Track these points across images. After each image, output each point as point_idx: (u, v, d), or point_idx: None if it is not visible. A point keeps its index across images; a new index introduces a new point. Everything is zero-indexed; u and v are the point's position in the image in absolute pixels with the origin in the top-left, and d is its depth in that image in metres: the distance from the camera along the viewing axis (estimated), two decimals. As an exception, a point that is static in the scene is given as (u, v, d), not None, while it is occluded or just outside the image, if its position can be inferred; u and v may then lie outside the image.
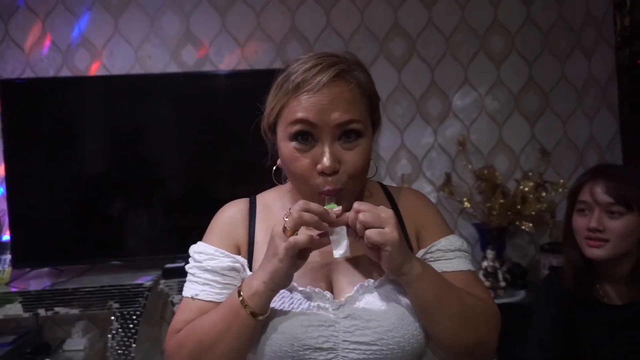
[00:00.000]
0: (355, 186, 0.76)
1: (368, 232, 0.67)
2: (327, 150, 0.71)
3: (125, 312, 1.80)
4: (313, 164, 0.73)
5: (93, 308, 1.80)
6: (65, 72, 2.13)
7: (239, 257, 0.80)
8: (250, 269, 0.80)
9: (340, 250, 0.70)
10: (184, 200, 1.96)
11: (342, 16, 2.18)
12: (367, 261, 0.77)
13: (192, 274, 0.81)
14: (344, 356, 0.72)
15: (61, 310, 1.80)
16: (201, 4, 2.16)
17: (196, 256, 0.82)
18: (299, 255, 0.69)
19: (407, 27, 2.20)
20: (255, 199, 0.88)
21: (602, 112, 2.10)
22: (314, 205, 0.69)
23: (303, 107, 0.71)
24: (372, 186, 0.89)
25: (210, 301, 0.78)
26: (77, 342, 1.93)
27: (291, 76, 0.73)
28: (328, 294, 0.75)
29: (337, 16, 2.18)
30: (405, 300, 0.74)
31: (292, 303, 0.74)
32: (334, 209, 0.71)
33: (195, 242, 0.86)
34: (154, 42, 2.16)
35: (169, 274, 1.82)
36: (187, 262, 0.84)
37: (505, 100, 2.23)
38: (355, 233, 0.70)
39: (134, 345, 1.80)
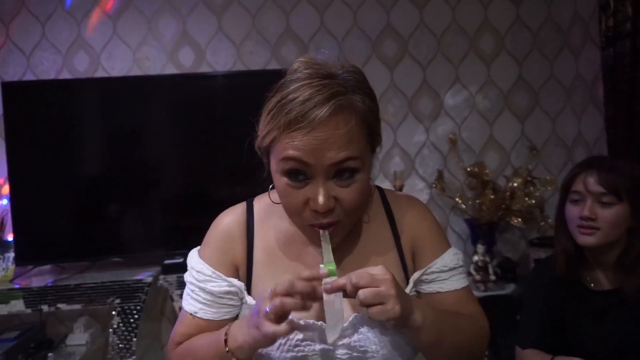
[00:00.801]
0: (352, 219, 0.75)
1: (371, 312, 0.65)
2: (321, 189, 0.68)
3: (126, 307, 1.85)
4: (306, 201, 0.70)
5: (94, 304, 1.85)
6: (65, 75, 2.18)
7: (235, 282, 0.81)
8: (249, 292, 0.81)
9: (333, 334, 0.69)
10: (182, 199, 2.01)
11: (335, 17, 2.23)
12: None
13: (192, 290, 0.83)
14: None
15: (63, 306, 1.85)
16: (197, 7, 2.21)
17: (194, 273, 0.82)
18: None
19: (399, 28, 2.25)
20: (252, 207, 0.86)
21: (589, 110, 2.16)
22: (300, 285, 0.66)
23: (296, 145, 0.67)
24: (373, 201, 0.86)
25: (207, 319, 0.81)
26: (79, 337, 1.98)
27: (285, 107, 0.68)
28: (323, 325, 0.73)
29: (331, 17, 2.23)
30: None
31: (287, 335, 0.74)
32: (330, 268, 0.68)
33: (192, 240, 0.90)
34: (151, 44, 2.21)
35: (168, 270, 1.87)
36: (185, 258, 0.87)
37: (495, 98, 2.29)
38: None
39: (134, 339, 1.86)
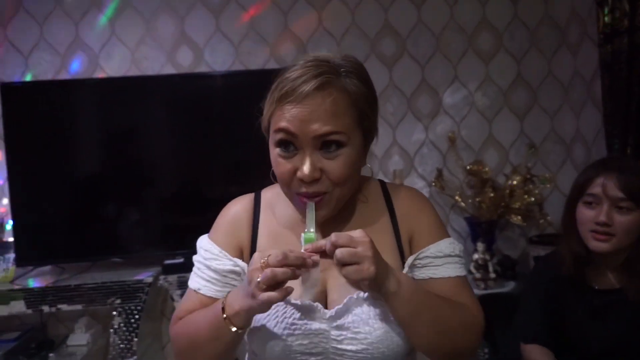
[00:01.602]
0: (341, 193, 0.78)
1: (345, 271, 0.69)
2: (307, 159, 0.74)
3: (126, 308, 1.86)
4: (294, 171, 0.75)
5: (95, 304, 1.86)
6: (63, 75, 2.18)
7: (240, 262, 0.85)
8: None
9: (308, 296, 0.74)
10: (181, 199, 2.01)
11: (333, 17, 2.23)
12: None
13: (198, 268, 0.87)
14: (332, 359, 0.78)
15: (64, 306, 1.85)
16: (195, 7, 2.20)
17: (202, 252, 0.87)
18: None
19: (398, 27, 2.25)
20: (260, 196, 0.91)
21: (587, 107, 2.16)
22: (292, 257, 0.68)
23: (286, 117, 0.74)
24: (371, 187, 0.90)
25: (210, 297, 0.84)
26: (80, 338, 1.98)
27: (280, 84, 0.75)
28: (319, 306, 0.78)
29: (329, 17, 2.23)
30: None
31: (285, 313, 0.78)
32: (310, 236, 0.72)
33: (191, 240, 0.92)
34: (149, 44, 2.20)
35: (168, 270, 1.87)
36: (185, 258, 0.90)
37: (494, 96, 2.29)
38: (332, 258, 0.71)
39: (135, 339, 1.86)
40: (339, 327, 0.77)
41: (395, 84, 2.27)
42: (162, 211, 2.02)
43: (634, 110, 1.75)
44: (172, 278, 1.87)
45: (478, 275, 1.98)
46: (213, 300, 0.82)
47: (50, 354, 1.87)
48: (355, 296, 0.77)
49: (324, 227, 0.81)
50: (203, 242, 0.88)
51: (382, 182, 0.92)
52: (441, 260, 0.82)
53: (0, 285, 1.89)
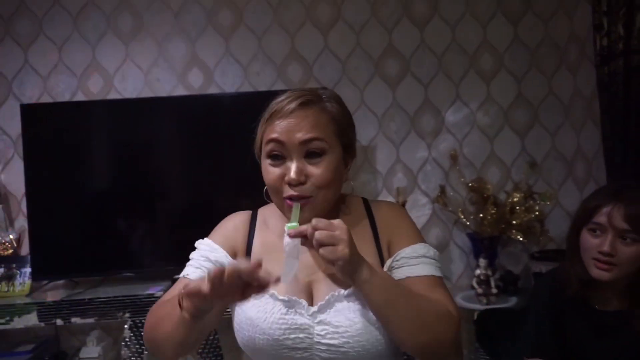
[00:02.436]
0: (324, 197, 0.87)
1: (322, 250, 0.76)
2: (293, 164, 0.85)
3: (137, 321, 1.91)
4: (282, 176, 0.86)
5: (107, 317, 1.92)
6: (80, 96, 2.27)
7: (231, 259, 0.92)
8: None
9: (289, 275, 0.79)
10: (190, 215, 2.08)
11: (338, 39, 2.31)
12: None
13: (192, 259, 0.94)
14: (318, 354, 0.83)
15: (77, 320, 1.92)
16: (206, 30, 2.30)
17: (200, 246, 0.95)
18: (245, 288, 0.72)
19: (401, 48, 2.33)
20: (257, 212, 1.00)
21: (587, 125, 2.21)
22: (244, 267, 0.70)
23: (275, 129, 0.86)
24: (354, 202, 0.98)
25: (195, 280, 0.86)
26: (91, 351, 2.04)
27: (270, 107, 0.89)
28: (304, 302, 0.85)
29: (334, 39, 2.31)
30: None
31: (273, 309, 0.85)
32: (292, 225, 0.80)
33: None
34: (162, 66, 2.30)
35: (178, 285, 1.93)
36: None
37: (495, 115, 2.35)
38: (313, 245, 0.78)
39: (145, 352, 1.91)
40: (321, 322, 0.83)
41: (398, 103, 2.33)
42: (171, 227, 2.09)
43: (632, 129, 1.80)
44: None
45: (480, 291, 2.02)
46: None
47: (64, 366, 1.93)
48: (336, 293, 0.84)
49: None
50: (203, 240, 0.97)
51: (363, 198, 1.01)
52: (416, 260, 0.88)
53: (16, 299, 1.96)
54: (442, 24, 2.33)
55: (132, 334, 1.93)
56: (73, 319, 1.91)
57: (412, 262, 0.88)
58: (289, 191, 0.85)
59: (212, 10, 2.29)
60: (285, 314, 0.84)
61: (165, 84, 2.29)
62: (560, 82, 2.33)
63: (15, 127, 2.23)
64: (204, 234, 1.04)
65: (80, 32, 2.28)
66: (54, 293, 2.04)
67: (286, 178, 0.85)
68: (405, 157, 2.34)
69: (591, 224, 1.18)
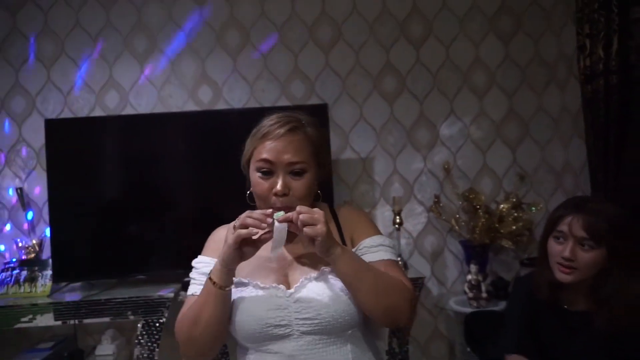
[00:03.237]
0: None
1: (305, 229, 0.96)
2: (280, 180, 1.03)
3: (150, 321, 2.06)
4: (270, 189, 1.04)
5: (121, 317, 2.06)
6: (98, 111, 2.44)
7: None
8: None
9: (277, 250, 0.99)
10: (198, 223, 2.22)
11: (339, 57, 2.46)
12: (311, 260, 1.07)
13: (194, 278, 1.13)
14: (297, 329, 1.02)
15: (93, 319, 2.06)
16: (215, 49, 2.46)
17: (196, 265, 1.14)
18: (246, 245, 0.97)
19: (398, 66, 2.47)
20: None
21: (574, 139, 2.33)
22: (256, 213, 0.98)
23: (266, 150, 1.04)
24: (322, 207, 1.14)
25: None
26: (106, 348, 2.18)
27: (261, 128, 1.07)
28: (282, 287, 1.05)
29: (335, 57, 2.46)
30: (338, 284, 1.03)
31: (257, 295, 1.04)
32: (279, 214, 0.99)
33: None
34: (174, 83, 2.46)
35: (188, 286, 2.07)
36: None
37: (488, 129, 2.47)
38: (297, 228, 0.97)
39: (157, 350, 2.05)
40: (297, 301, 1.02)
41: (395, 117, 2.47)
42: (182, 233, 2.23)
43: (613, 145, 1.92)
44: (191, 294, 2.07)
45: (471, 295, 2.13)
46: None
47: (82, 362, 2.07)
48: (308, 276, 1.04)
49: (290, 236, 1.04)
50: (197, 258, 1.16)
51: (329, 206, 1.19)
52: (375, 248, 1.08)
53: (38, 299, 2.11)
54: (436, 43, 2.47)
55: (144, 333, 2.07)
56: (90, 319, 2.05)
57: (372, 250, 1.08)
58: (275, 201, 1.04)
59: (220, 32, 2.45)
60: (268, 298, 1.03)
61: (177, 100, 2.45)
62: (549, 98, 2.45)
63: (38, 139, 2.41)
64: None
65: (99, 52, 2.46)
66: (72, 294, 2.18)
67: (274, 190, 1.03)
68: (401, 169, 2.47)
69: (555, 232, 1.30)
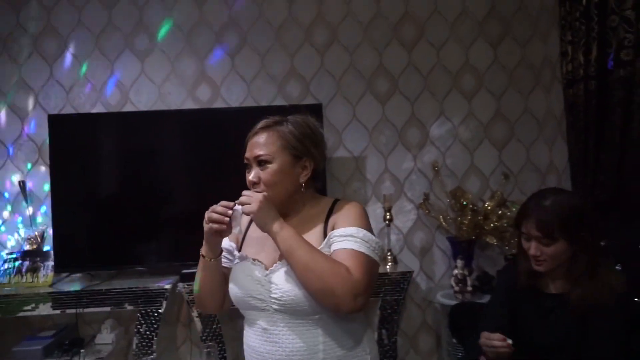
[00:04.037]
0: (274, 193, 1.16)
1: (243, 207, 1.13)
2: (252, 171, 1.19)
3: (149, 310, 2.14)
4: (249, 179, 1.20)
5: (121, 307, 2.14)
6: (99, 108, 2.51)
7: (232, 244, 1.28)
8: (239, 251, 1.26)
9: (235, 229, 1.16)
10: (197, 216, 2.29)
11: (334, 59, 2.55)
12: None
13: None
14: (271, 306, 1.14)
15: (94, 309, 2.14)
16: (214, 49, 2.54)
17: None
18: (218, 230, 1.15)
19: (390, 68, 2.56)
20: None
21: (558, 141, 2.44)
22: (219, 208, 1.15)
23: (247, 148, 1.21)
24: (325, 200, 1.24)
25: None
26: (106, 337, 2.26)
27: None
28: (262, 265, 1.18)
29: (330, 59, 2.55)
30: None
31: (244, 267, 1.20)
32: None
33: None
34: (173, 81, 2.54)
35: (185, 278, 2.15)
36: None
37: (475, 129, 2.57)
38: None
39: (155, 339, 2.13)
40: (271, 282, 1.14)
41: (387, 117, 2.56)
42: (180, 227, 2.32)
43: (591, 146, 2.02)
44: (189, 285, 2.14)
45: (457, 289, 2.23)
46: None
47: (82, 350, 2.14)
48: (277, 263, 1.15)
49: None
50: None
51: (336, 199, 1.25)
52: (342, 238, 1.12)
53: (40, 289, 2.19)
54: (428, 46, 2.56)
55: (143, 322, 2.15)
56: (90, 308, 2.13)
57: (339, 240, 1.12)
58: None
59: (219, 32, 2.53)
60: (251, 272, 1.18)
61: (176, 97, 2.53)
62: (535, 101, 2.56)
63: (40, 134, 2.48)
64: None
65: (101, 49, 2.53)
66: (72, 284, 2.26)
67: (247, 180, 1.20)
68: (392, 167, 2.56)
69: (522, 233, 1.46)
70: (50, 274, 2.25)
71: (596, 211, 1.48)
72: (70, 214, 2.28)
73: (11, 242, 2.43)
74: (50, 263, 2.27)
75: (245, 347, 1.22)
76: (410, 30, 2.56)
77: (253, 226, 1.25)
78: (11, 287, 2.23)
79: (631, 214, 1.81)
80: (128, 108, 2.52)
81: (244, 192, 1.15)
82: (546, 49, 2.50)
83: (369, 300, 1.12)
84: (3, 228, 2.48)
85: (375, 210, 2.52)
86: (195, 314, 2.20)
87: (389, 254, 2.34)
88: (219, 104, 2.52)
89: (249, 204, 1.12)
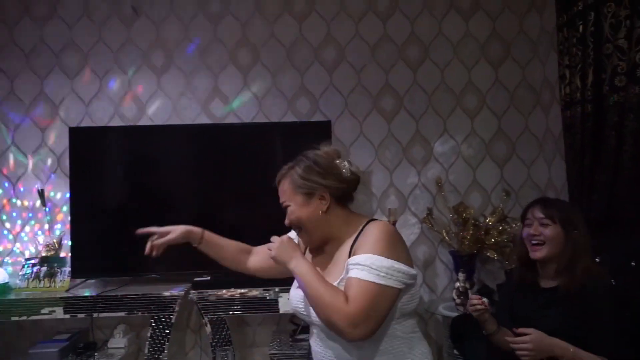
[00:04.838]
0: (306, 229, 1.30)
1: (271, 252, 1.29)
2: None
3: (161, 316, 2.22)
4: None
5: (134, 312, 2.22)
6: (116, 121, 2.62)
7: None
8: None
9: None
10: (209, 227, 2.39)
11: (342, 77, 2.66)
12: (328, 271, 1.29)
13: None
14: (313, 317, 1.23)
15: (109, 314, 2.22)
16: (228, 66, 2.66)
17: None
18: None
19: (396, 86, 2.67)
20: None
21: (557, 159, 2.53)
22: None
23: None
24: (358, 222, 1.29)
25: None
26: (118, 342, 2.34)
27: None
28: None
29: (338, 77, 2.66)
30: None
31: (293, 286, 1.34)
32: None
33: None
34: (188, 96, 2.65)
35: (197, 286, 2.24)
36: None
37: (478, 147, 2.67)
38: None
39: (167, 344, 2.21)
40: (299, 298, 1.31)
41: (393, 134, 2.66)
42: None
43: (587, 167, 2.11)
44: (200, 293, 2.23)
45: (458, 301, 2.31)
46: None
47: (95, 354, 2.22)
48: (296, 285, 1.32)
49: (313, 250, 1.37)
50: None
51: (371, 219, 1.29)
52: (353, 266, 1.17)
53: (57, 293, 2.27)
54: (432, 66, 2.67)
55: (156, 328, 2.23)
56: (105, 313, 2.22)
57: (350, 267, 1.18)
58: None
59: (233, 50, 2.65)
60: (297, 290, 1.31)
61: (191, 112, 2.64)
62: (535, 121, 2.66)
63: (59, 145, 2.59)
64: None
65: (119, 64, 2.65)
66: (88, 290, 2.34)
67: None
68: (397, 182, 2.66)
69: (526, 220, 1.68)
70: (67, 279, 2.35)
71: (589, 225, 1.65)
72: (87, 222, 2.38)
73: (31, 248, 2.53)
74: (67, 269, 2.36)
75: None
76: (415, 51, 2.67)
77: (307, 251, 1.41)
78: (29, 291, 2.32)
79: (624, 233, 1.89)
80: (144, 122, 2.63)
81: (273, 238, 1.31)
82: (546, 71, 2.60)
83: (377, 326, 1.14)
84: (23, 235, 2.58)
85: (380, 224, 2.60)
86: (205, 320, 2.28)
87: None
88: (231, 119, 2.63)
89: (272, 248, 1.29)
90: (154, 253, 1.53)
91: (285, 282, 1.39)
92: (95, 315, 2.21)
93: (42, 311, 2.21)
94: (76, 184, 2.39)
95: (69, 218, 2.45)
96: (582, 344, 1.46)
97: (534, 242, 1.61)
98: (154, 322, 2.22)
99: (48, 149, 2.62)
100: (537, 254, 1.60)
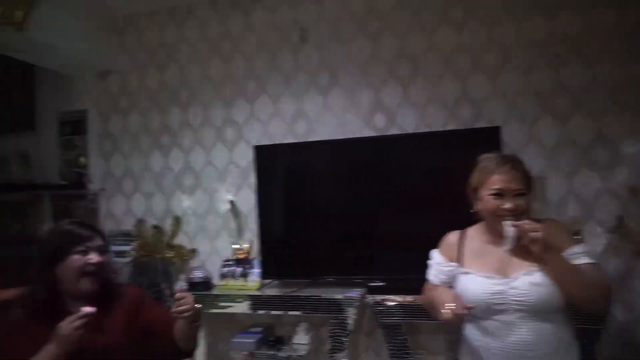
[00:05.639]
0: (522, 218, 1.44)
1: (531, 234, 1.37)
2: (510, 202, 1.48)
3: (339, 317, 2.40)
4: (498, 206, 1.48)
5: (317, 312, 2.44)
6: (289, 138, 2.90)
7: (451, 264, 1.60)
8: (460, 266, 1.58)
9: (510, 246, 1.42)
10: (384, 238, 2.50)
11: (508, 81, 2.56)
12: (520, 259, 1.44)
13: (430, 266, 1.67)
14: (512, 307, 1.42)
15: (294, 312, 2.49)
16: (388, 80, 2.76)
17: (432, 255, 1.67)
18: None
19: (570, 85, 2.48)
20: (465, 231, 1.63)
21: None
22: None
23: (497, 181, 1.51)
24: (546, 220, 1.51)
25: (435, 284, 1.63)
26: (302, 339, 2.59)
27: (485, 166, 1.56)
28: (497, 276, 1.47)
29: (503, 81, 2.57)
30: (543, 278, 1.41)
31: (476, 282, 1.49)
32: (508, 222, 1.44)
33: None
34: (352, 111, 2.83)
35: (372, 291, 2.38)
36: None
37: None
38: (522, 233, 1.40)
39: (347, 344, 2.38)
40: (513, 287, 1.43)
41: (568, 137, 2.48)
42: (369, 245, 2.54)
43: None
44: (375, 297, 2.36)
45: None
46: (436, 285, 1.62)
47: (284, 347, 2.50)
48: (522, 271, 1.44)
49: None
50: (433, 251, 1.68)
51: (533, 218, 1.47)
52: (578, 255, 1.45)
53: (250, 292, 2.62)
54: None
55: (335, 329, 2.42)
56: (291, 311, 2.48)
57: (576, 257, 1.44)
58: (504, 214, 1.46)
59: (392, 64, 2.75)
60: (487, 284, 1.46)
61: (355, 126, 2.81)
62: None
63: (244, 161, 2.98)
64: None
65: (290, 89, 2.94)
66: (273, 290, 2.65)
67: (504, 207, 1.46)
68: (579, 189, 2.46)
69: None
70: (257, 279, 2.68)
71: None
72: (273, 229, 2.70)
73: (226, 252, 2.94)
74: (256, 270, 2.70)
75: (478, 344, 1.48)
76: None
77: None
78: (227, 288, 2.71)
79: None
80: (313, 137, 2.86)
81: (525, 222, 1.40)
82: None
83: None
84: (219, 240, 3.02)
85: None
86: (379, 324, 2.39)
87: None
88: (393, 131, 2.72)
89: (537, 230, 1.37)
90: None
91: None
92: (285, 312, 2.48)
93: (237, 306, 2.56)
94: (262, 196, 2.72)
95: (255, 226, 2.80)
96: None
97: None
98: (334, 322, 2.41)
99: (235, 165, 3.03)
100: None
